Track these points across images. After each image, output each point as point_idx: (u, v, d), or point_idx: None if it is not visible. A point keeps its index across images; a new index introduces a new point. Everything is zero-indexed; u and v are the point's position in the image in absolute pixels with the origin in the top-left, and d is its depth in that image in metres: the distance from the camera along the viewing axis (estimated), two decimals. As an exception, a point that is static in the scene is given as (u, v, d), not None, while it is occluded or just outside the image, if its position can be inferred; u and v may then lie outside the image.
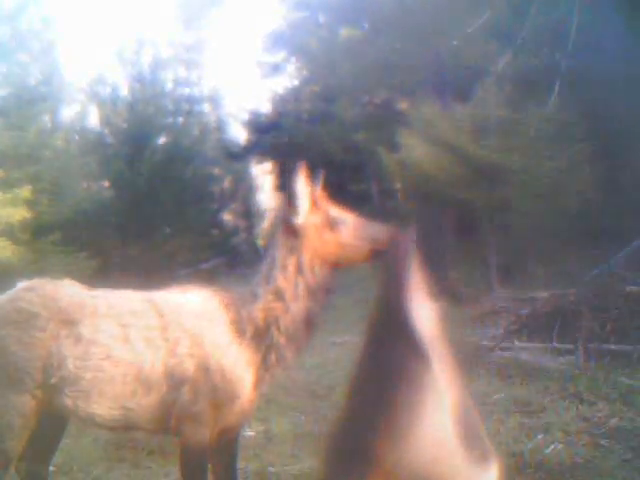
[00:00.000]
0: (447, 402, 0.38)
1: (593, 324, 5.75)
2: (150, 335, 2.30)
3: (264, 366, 2.35)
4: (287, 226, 2.33)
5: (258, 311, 2.32)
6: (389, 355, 0.39)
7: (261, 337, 2.33)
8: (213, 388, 2.28)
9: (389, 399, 0.37)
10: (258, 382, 2.37)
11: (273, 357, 2.34)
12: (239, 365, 2.31)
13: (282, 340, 2.32)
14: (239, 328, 2.33)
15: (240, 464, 2.81)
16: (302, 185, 2.28)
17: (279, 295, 2.31)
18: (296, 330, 2.33)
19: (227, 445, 2.52)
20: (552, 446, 3.57)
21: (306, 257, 2.31)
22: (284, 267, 2.31)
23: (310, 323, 2.35)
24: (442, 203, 9.13)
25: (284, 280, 2.31)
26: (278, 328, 2.31)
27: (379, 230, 2.33)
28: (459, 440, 0.39)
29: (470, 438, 0.40)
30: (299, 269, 2.31)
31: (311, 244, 2.32)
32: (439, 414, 0.37)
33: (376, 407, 0.38)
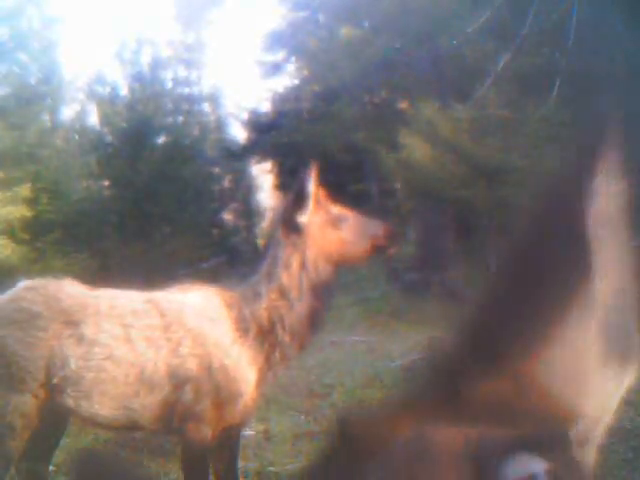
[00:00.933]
0: (597, 311, 0.36)
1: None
2: (152, 335, 2.30)
3: (267, 365, 2.35)
4: (290, 224, 2.34)
5: (262, 310, 2.32)
6: (549, 259, 0.36)
7: (265, 336, 2.33)
8: (216, 387, 2.28)
9: (535, 301, 0.35)
10: (261, 381, 2.37)
11: (277, 355, 2.35)
12: (242, 364, 2.31)
13: (286, 338, 2.34)
14: (242, 327, 2.33)
15: (240, 464, 2.81)
16: (309, 183, 2.30)
17: (283, 293, 2.32)
18: (300, 328, 2.35)
19: (228, 444, 2.52)
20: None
21: (310, 255, 2.33)
22: (288, 265, 2.32)
23: (314, 321, 2.37)
24: (442, 203, 9.13)
25: (288, 278, 2.32)
26: (283, 326, 2.32)
27: (377, 226, 2.40)
28: (602, 343, 0.37)
29: (619, 334, 0.38)
30: (303, 267, 2.33)
31: (315, 242, 2.34)
32: (585, 329, 0.35)
33: (521, 307, 0.36)
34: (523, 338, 0.42)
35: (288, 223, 2.35)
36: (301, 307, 2.33)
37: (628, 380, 0.47)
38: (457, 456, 0.43)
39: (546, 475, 0.41)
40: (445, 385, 0.44)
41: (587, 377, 0.43)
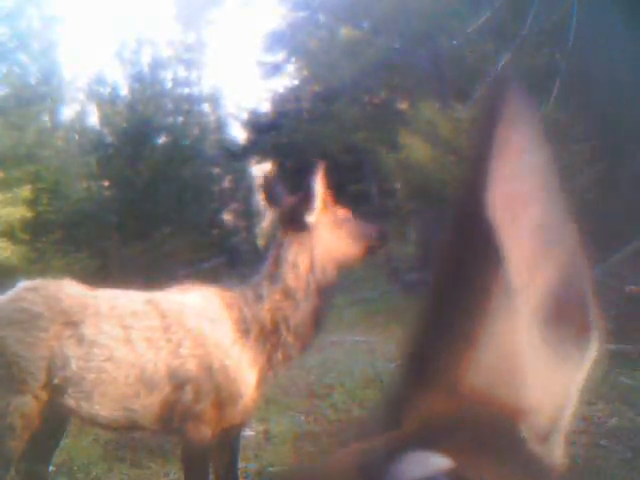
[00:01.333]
0: (523, 302, 0.34)
1: (593, 324, 5.75)
2: (152, 336, 2.30)
3: (268, 365, 2.35)
4: (298, 224, 2.35)
5: (265, 311, 2.32)
6: (453, 251, 0.34)
7: (267, 336, 2.33)
8: (216, 388, 2.28)
9: (450, 307, 0.34)
10: (261, 381, 2.38)
11: (279, 356, 2.35)
12: (242, 365, 2.31)
13: (290, 339, 2.34)
14: (243, 328, 2.33)
15: (240, 464, 2.81)
16: (317, 183, 2.31)
17: (289, 294, 2.32)
18: (304, 329, 2.35)
19: (228, 444, 2.52)
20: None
21: (317, 255, 2.34)
22: (295, 265, 2.33)
23: (317, 322, 2.38)
24: (442, 203, 9.13)
25: (295, 279, 2.33)
26: (287, 327, 2.32)
27: (371, 227, 2.46)
28: (549, 321, 0.34)
29: (568, 313, 0.36)
30: (310, 267, 2.34)
31: (322, 242, 2.36)
32: (509, 320, 0.33)
33: (438, 317, 0.34)
34: (447, 347, 0.40)
35: (295, 222, 2.36)
36: (306, 308, 2.33)
37: (588, 359, 0.45)
38: (344, 472, 0.40)
39: (447, 476, 0.37)
40: (389, 417, 0.42)
41: (526, 369, 0.40)
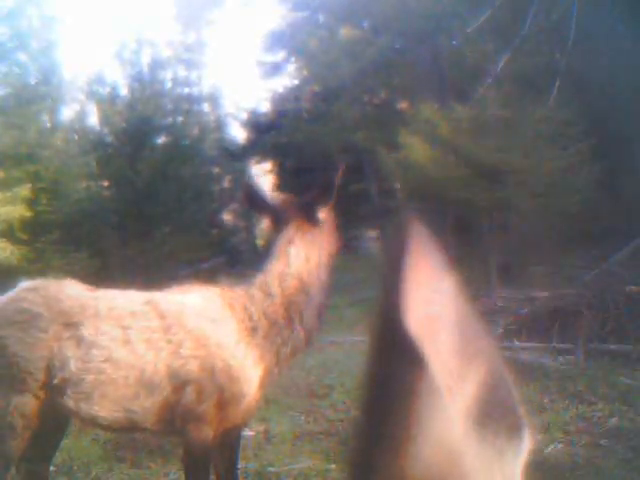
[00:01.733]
0: (453, 402, 0.37)
1: (593, 324, 5.75)
2: (152, 337, 2.29)
3: (276, 360, 2.37)
4: (311, 219, 2.39)
5: (277, 306, 2.34)
6: (383, 364, 0.39)
7: (279, 332, 2.35)
8: (219, 388, 2.28)
9: (385, 410, 0.38)
10: (265, 380, 2.38)
11: (288, 350, 2.37)
12: (247, 364, 2.31)
13: (301, 333, 2.37)
14: (249, 326, 2.33)
15: (240, 464, 2.81)
16: (335, 182, 2.35)
17: (303, 288, 2.36)
18: (313, 322, 2.39)
19: (229, 444, 2.52)
20: (552, 446, 3.57)
21: (325, 251, 2.42)
22: (308, 260, 2.38)
23: (321, 317, 2.43)
24: (442, 203, 9.13)
25: (308, 273, 2.37)
26: (301, 321, 2.36)
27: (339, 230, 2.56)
28: (482, 420, 0.38)
29: (498, 412, 0.40)
30: (320, 262, 2.40)
31: (329, 239, 2.44)
32: (440, 416, 0.37)
33: (376, 419, 0.38)
34: (386, 447, 0.44)
35: (309, 217, 2.39)
36: (316, 302, 2.38)
37: (524, 450, 0.49)
38: None
39: None
40: None
41: (463, 461, 0.44)
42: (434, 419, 0.43)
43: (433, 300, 0.47)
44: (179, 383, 2.27)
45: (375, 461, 0.44)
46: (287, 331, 2.35)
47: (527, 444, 0.49)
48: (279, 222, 2.45)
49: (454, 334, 0.47)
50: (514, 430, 0.48)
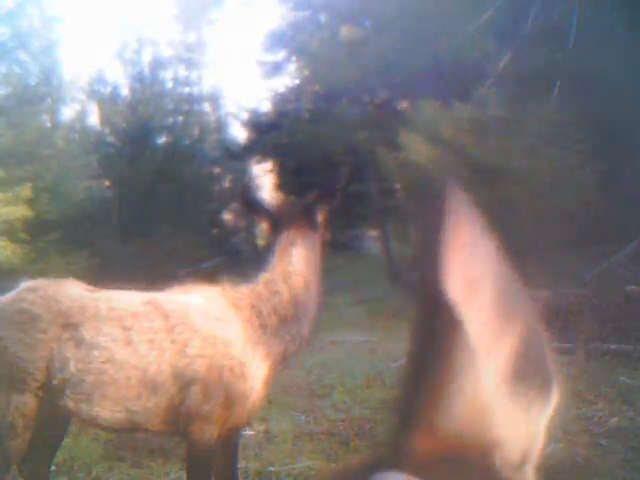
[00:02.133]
0: (489, 360, 0.41)
1: (593, 324, 5.75)
2: (154, 337, 2.29)
3: (282, 357, 2.42)
4: (311, 221, 2.43)
5: (285, 302, 2.36)
6: (424, 325, 0.42)
7: (286, 329, 2.37)
8: (226, 388, 2.28)
9: (424, 369, 0.42)
10: (270, 378, 2.41)
11: (296, 345, 2.43)
12: (254, 363, 2.32)
13: (306, 329, 2.44)
14: (257, 324, 2.35)
15: (240, 464, 2.82)
16: (340, 185, 2.41)
17: (308, 287, 2.43)
18: (313, 321, 2.47)
19: (229, 444, 2.52)
20: (552, 446, 3.57)
21: (321, 251, 2.50)
22: (308, 261, 2.44)
23: (316, 317, 2.51)
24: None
25: (310, 273, 2.44)
26: (306, 316, 2.43)
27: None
28: (516, 375, 0.43)
29: (532, 367, 0.44)
30: (317, 264, 2.48)
31: (322, 240, 2.52)
32: (474, 376, 0.41)
33: (416, 376, 0.43)
34: (425, 399, 0.47)
35: (308, 220, 2.45)
36: (316, 301, 2.47)
37: (551, 405, 0.51)
38: None
39: None
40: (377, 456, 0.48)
41: (493, 413, 0.47)
42: (468, 378, 0.47)
43: (473, 262, 0.50)
44: (184, 383, 2.27)
45: (414, 413, 0.48)
46: (295, 327, 2.38)
47: (554, 400, 0.52)
48: (277, 225, 2.49)
49: (493, 295, 0.50)
50: (544, 385, 0.51)
